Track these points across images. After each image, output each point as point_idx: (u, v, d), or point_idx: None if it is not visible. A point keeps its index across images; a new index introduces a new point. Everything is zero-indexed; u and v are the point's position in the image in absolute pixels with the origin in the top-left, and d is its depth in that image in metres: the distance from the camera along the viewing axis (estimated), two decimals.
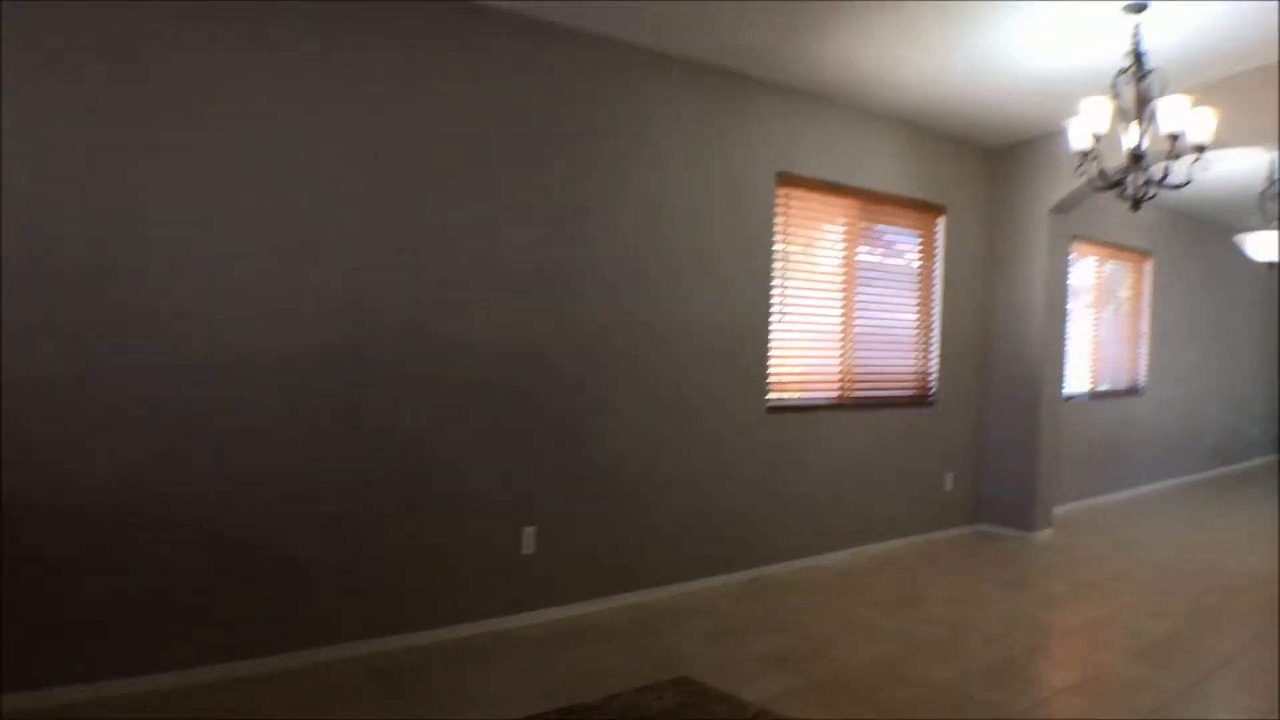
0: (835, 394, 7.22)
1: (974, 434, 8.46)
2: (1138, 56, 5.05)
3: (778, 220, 6.64)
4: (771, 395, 6.70)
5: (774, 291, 6.64)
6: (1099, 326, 10.18)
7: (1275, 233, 8.84)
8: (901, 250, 7.73)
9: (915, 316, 7.87)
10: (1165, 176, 5.04)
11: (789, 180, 6.69)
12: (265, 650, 4.57)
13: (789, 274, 6.76)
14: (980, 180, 8.29)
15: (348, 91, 4.70)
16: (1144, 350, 10.95)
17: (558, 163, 5.46)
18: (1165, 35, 5.52)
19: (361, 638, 4.86)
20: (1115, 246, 10.22)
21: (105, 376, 4.14)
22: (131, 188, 4.17)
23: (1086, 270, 9.90)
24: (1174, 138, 4.87)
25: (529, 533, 5.44)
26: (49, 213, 3.99)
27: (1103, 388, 10.31)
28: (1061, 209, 8.06)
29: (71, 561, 4.07)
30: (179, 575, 4.33)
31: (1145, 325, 10.93)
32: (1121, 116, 5.03)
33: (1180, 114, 4.86)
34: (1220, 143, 5.93)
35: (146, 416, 4.21)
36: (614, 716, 4.17)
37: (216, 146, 4.38)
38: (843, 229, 7.20)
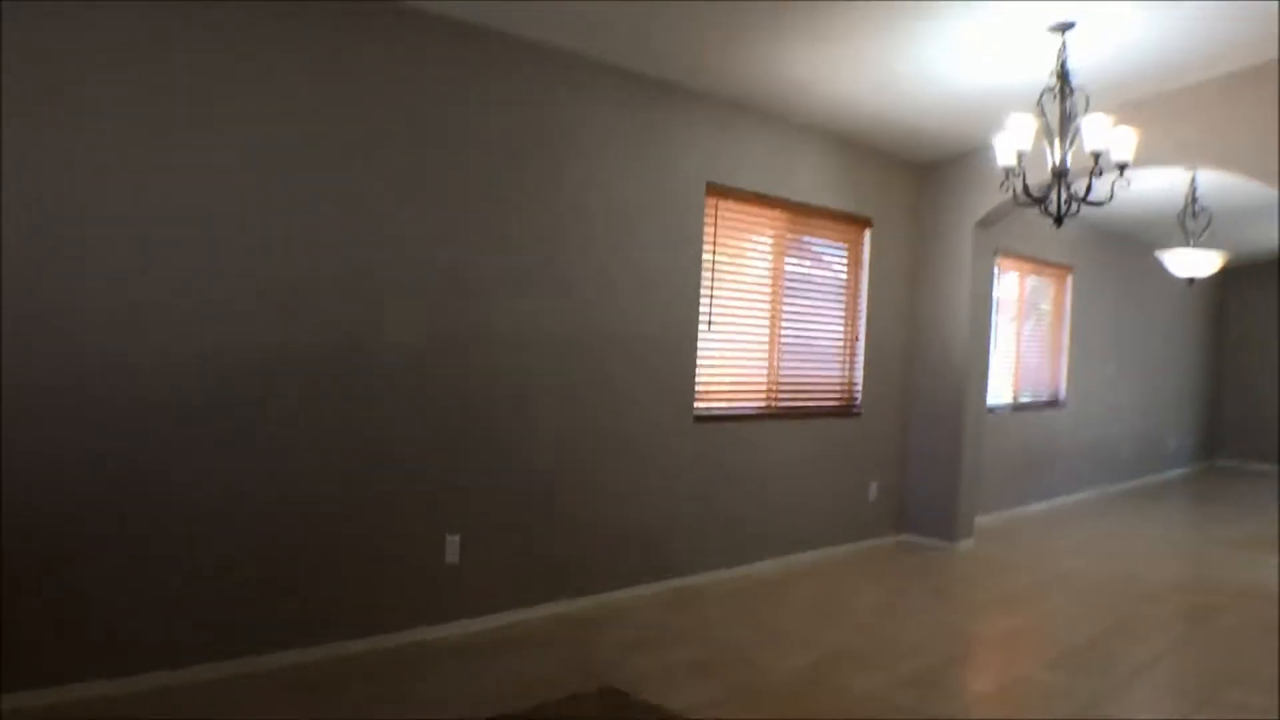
0: (762, 404, 7.25)
1: (898, 444, 8.54)
2: (1063, 75, 5.14)
3: (707, 230, 6.65)
4: (699, 404, 6.70)
5: (703, 301, 6.66)
6: (1021, 339, 10.33)
7: (1194, 249, 9.05)
8: (829, 262, 7.79)
9: (841, 327, 7.93)
10: (1088, 193, 5.13)
11: (719, 191, 6.72)
12: (185, 660, 4.47)
13: (718, 284, 6.78)
14: (907, 194, 8.38)
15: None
16: (1065, 363, 11.14)
17: (486, 170, 5.41)
18: (1090, 54, 5.62)
19: (283, 648, 4.77)
20: (1038, 261, 10.38)
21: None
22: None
23: (1010, 284, 10.04)
24: (1096, 155, 4.96)
25: (453, 541, 5.39)
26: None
27: (1025, 399, 10.46)
28: (986, 223, 8.18)
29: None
30: (93, 584, 4.23)
31: (1066, 338, 11.12)
32: (1046, 133, 5.11)
33: (1103, 132, 4.96)
34: (1141, 161, 6.04)
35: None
36: None
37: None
38: (771, 240, 7.24)
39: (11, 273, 3.91)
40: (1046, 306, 10.82)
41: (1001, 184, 5.31)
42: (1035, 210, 5.44)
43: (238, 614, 4.63)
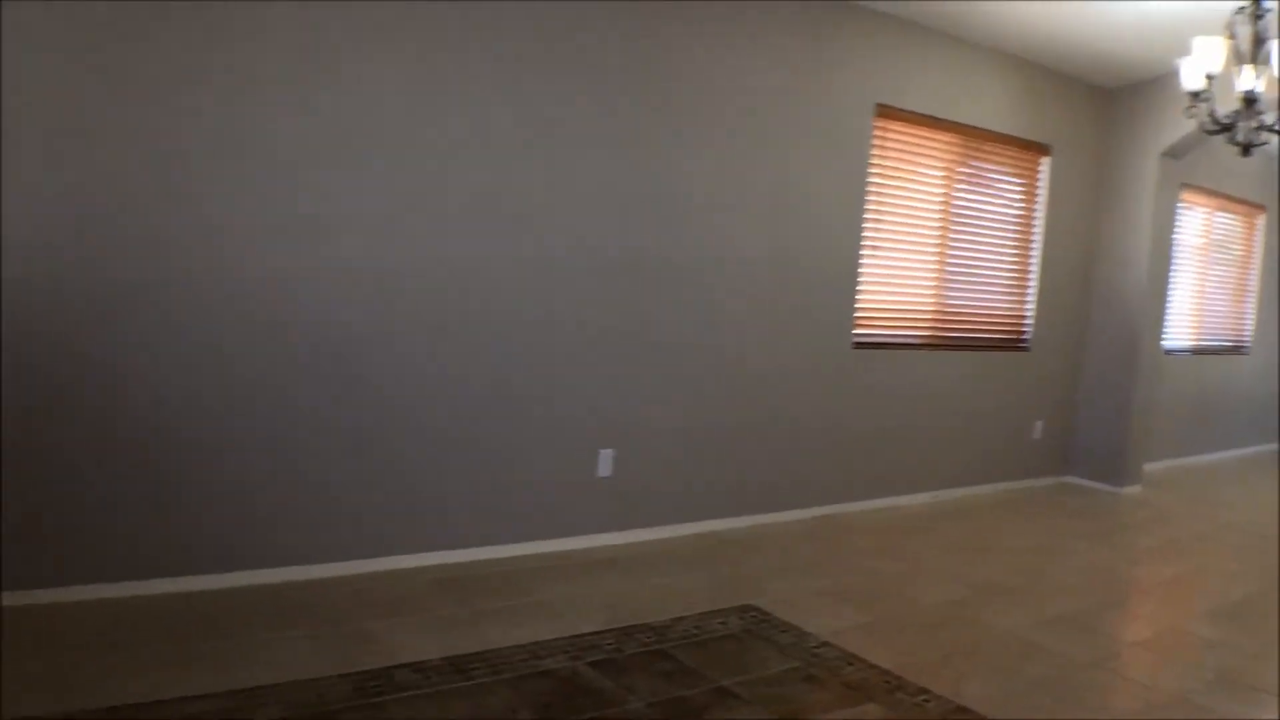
0: (925, 332, 7.11)
1: (1068, 382, 8.27)
2: None
3: (874, 153, 6.50)
4: (858, 330, 6.61)
5: (866, 225, 6.53)
6: (1205, 279, 9.86)
7: None
8: (1002, 190, 7.54)
9: (1013, 258, 7.69)
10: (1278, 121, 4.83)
11: (888, 113, 6.55)
12: (341, 555, 4.67)
13: (883, 208, 6.64)
14: (1088, 121, 8.02)
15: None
16: (1251, 307, 10.61)
17: (643, 93, 5.39)
18: None
19: (433, 549, 4.94)
20: (1227, 197, 9.85)
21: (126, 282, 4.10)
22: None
23: (1195, 220, 9.57)
24: None
25: (606, 455, 5.46)
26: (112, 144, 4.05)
27: (1205, 343, 10.01)
28: (1173, 154, 7.79)
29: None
30: (238, 480, 4.43)
31: (1255, 281, 10.58)
32: (1236, 57, 4.82)
33: None
34: None
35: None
36: (677, 637, 4.22)
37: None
38: (941, 165, 7.04)
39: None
40: (1235, 246, 10.29)
41: (1186, 109, 5.03)
42: (1225, 143, 5.15)
43: (386, 516, 4.79)
